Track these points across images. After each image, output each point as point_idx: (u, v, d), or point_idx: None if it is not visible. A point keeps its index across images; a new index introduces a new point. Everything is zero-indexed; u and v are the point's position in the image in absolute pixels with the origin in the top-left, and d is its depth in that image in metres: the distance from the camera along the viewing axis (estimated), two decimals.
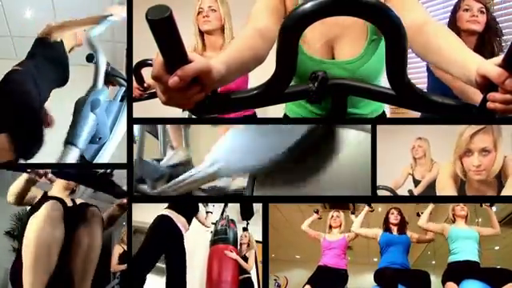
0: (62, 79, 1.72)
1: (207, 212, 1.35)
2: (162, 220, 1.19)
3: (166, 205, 1.27)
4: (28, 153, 1.50)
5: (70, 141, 1.46)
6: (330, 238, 1.28)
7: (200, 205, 1.32)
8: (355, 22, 0.96)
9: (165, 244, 1.18)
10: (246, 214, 1.28)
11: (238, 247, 1.34)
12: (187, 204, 1.27)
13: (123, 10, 1.23)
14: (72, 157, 1.44)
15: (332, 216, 1.29)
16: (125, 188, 1.16)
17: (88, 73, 1.65)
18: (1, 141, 1.37)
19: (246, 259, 1.31)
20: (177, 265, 1.19)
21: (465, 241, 1.18)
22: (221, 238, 1.32)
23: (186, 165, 1.27)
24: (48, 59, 1.65)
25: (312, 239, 1.29)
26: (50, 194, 1.19)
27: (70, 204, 1.20)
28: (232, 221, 1.35)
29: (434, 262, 1.25)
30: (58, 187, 1.24)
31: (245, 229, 1.33)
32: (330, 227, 1.29)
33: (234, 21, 1.70)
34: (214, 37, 1.68)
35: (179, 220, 1.22)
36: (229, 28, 1.67)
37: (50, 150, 1.58)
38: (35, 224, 1.00)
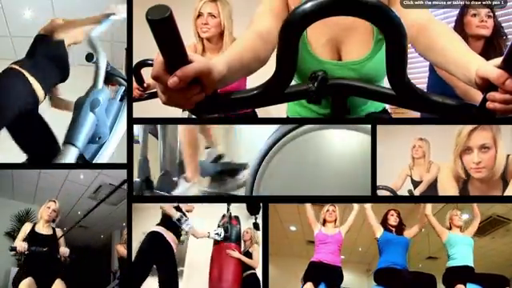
0: (62, 76, 1.72)
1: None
2: (152, 235, 1.26)
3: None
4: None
5: (69, 141, 1.46)
6: (326, 232, 1.23)
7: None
8: (361, 23, 0.96)
9: (155, 256, 1.24)
10: (253, 209, 1.25)
11: (243, 244, 1.31)
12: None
13: (125, 10, 1.23)
14: (71, 157, 1.44)
15: (328, 210, 1.23)
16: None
17: (88, 72, 1.65)
18: None
19: (250, 255, 1.28)
20: (169, 276, 1.25)
21: (463, 247, 1.20)
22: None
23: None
24: (48, 57, 1.64)
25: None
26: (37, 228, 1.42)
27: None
28: (236, 217, 1.31)
29: None
30: (42, 221, 1.42)
31: (256, 225, 1.27)
32: (325, 222, 1.24)
33: (236, 20, 1.69)
34: (214, 41, 1.68)
35: (169, 236, 1.27)
36: (228, 33, 1.66)
37: None
38: None
